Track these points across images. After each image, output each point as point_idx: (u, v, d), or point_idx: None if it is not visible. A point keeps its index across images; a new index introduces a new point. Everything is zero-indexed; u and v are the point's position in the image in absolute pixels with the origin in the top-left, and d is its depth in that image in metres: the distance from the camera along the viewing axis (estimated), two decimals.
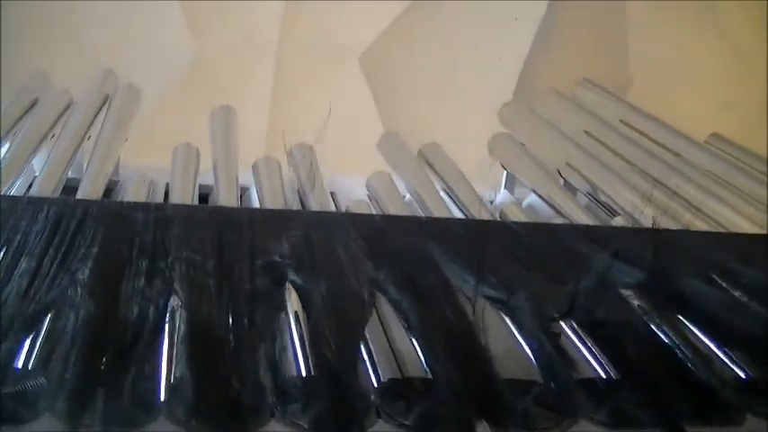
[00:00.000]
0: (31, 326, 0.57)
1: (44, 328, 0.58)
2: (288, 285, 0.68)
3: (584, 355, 0.65)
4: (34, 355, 0.56)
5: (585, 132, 1.20)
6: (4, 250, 0.65)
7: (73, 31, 1.55)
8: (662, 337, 0.66)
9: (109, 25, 1.55)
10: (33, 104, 1.05)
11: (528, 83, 1.64)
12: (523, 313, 0.67)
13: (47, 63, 1.45)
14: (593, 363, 0.64)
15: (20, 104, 1.03)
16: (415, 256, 0.72)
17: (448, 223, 0.87)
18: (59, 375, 0.54)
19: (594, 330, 0.66)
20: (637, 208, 0.97)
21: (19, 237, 0.67)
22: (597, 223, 0.95)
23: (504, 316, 0.69)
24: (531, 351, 0.64)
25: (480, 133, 1.23)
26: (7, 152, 0.92)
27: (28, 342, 0.56)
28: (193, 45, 1.59)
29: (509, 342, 0.65)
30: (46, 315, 0.58)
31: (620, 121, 1.23)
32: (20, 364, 0.54)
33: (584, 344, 0.66)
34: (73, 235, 0.67)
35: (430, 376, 0.60)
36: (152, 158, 1.04)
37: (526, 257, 0.75)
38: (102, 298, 0.59)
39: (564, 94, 1.32)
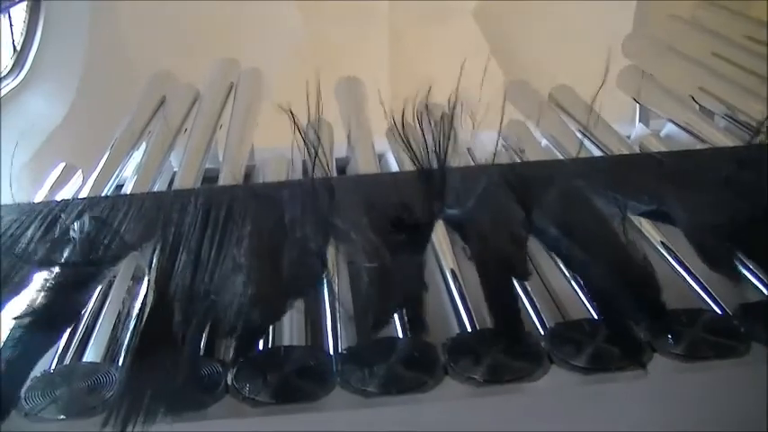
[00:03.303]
0: (205, 316, 0.57)
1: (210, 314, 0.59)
2: (445, 248, 0.68)
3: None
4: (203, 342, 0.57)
5: (713, 54, 1.17)
6: (160, 246, 0.66)
7: (181, 22, 1.58)
8: None
9: (215, 10, 1.57)
10: (162, 103, 1.07)
11: (645, 14, 1.61)
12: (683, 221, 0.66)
13: (166, 60, 1.48)
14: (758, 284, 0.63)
15: (148, 105, 1.05)
16: (564, 197, 0.71)
17: (592, 162, 0.86)
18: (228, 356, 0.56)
19: (752, 253, 0.65)
20: None
21: (173, 230, 0.68)
22: (740, 144, 0.92)
23: (664, 253, 0.68)
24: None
25: (601, 71, 1.21)
26: (145, 152, 0.94)
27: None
28: (303, 20, 1.59)
29: (668, 276, 0.64)
30: (214, 303, 0.59)
31: (747, 37, 1.19)
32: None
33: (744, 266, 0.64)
34: (224, 220, 0.68)
35: (592, 316, 0.60)
36: (278, 138, 1.04)
37: (675, 186, 0.73)
38: (263, 276, 0.60)
39: (685, 18, 1.29)
